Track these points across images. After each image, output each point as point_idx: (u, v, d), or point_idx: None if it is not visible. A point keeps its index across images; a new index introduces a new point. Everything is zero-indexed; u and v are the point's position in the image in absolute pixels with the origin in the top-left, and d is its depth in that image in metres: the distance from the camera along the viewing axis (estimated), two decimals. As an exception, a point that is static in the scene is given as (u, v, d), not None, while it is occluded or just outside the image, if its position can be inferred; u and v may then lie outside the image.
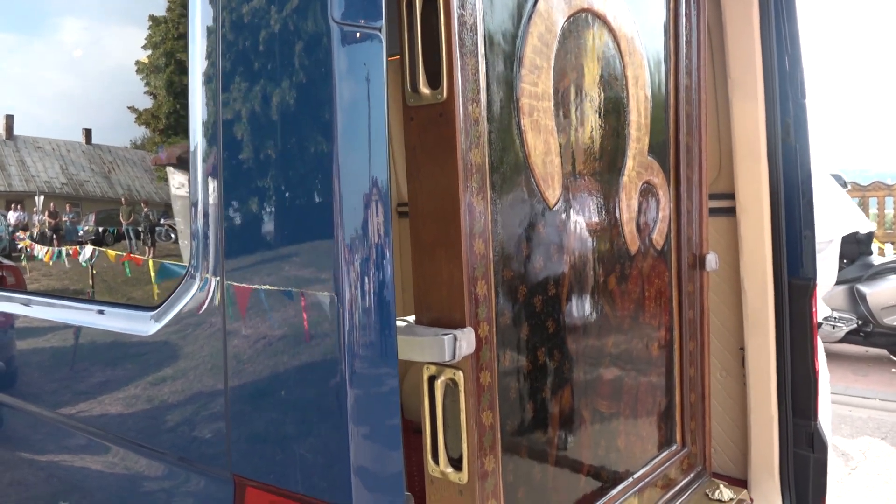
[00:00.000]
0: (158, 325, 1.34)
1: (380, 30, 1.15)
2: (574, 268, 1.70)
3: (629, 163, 1.87)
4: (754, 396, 2.37)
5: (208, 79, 1.27)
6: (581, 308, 1.74)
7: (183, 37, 1.37)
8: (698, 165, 2.13)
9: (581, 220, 1.71)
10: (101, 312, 1.57)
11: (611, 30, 1.79)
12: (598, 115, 1.76)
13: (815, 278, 2.29)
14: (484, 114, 1.39)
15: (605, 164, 1.79)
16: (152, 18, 1.55)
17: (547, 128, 1.57)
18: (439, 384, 1.35)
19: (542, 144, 1.57)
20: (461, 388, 1.33)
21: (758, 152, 2.29)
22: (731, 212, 2.42)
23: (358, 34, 1.15)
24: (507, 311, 1.51)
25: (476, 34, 1.37)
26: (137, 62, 1.58)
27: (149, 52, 1.55)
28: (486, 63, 1.41)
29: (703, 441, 2.20)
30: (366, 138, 1.16)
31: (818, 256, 2.45)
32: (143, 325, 1.37)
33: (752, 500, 2.28)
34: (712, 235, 2.52)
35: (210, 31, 1.27)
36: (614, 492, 1.86)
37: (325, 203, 1.13)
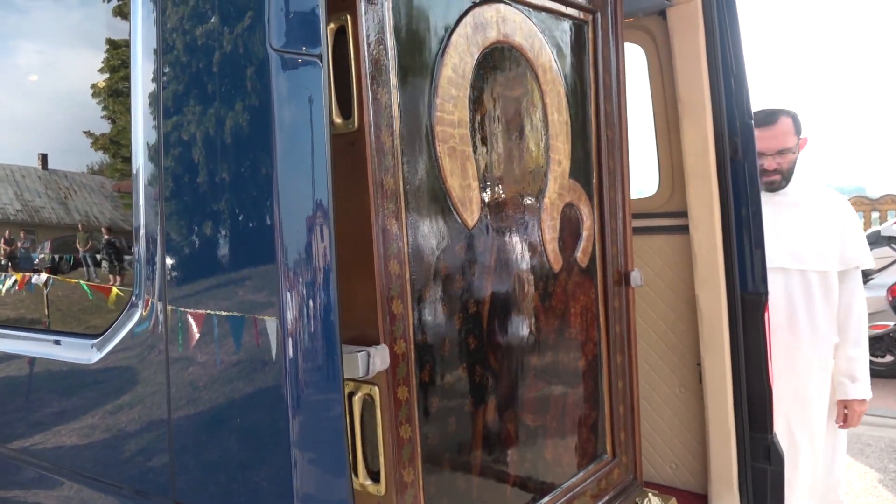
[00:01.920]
0: (101, 354, 1.32)
1: (319, 57, 1.16)
2: (495, 286, 1.75)
3: (551, 185, 1.94)
4: (712, 411, 2.40)
5: (149, 103, 1.27)
6: (504, 325, 1.79)
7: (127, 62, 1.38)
8: (621, 187, 2.21)
9: (502, 241, 1.77)
10: (44, 341, 1.54)
11: (528, 60, 1.86)
12: (517, 141, 1.83)
13: (766, 293, 2.34)
14: (398, 142, 1.45)
15: (526, 186, 1.86)
16: (109, 42, 1.54)
17: (464, 154, 1.64)
18: (357, 399, 1.38)
19: (458, 169, 1.63)
20: (377, 402, 1.36)
21: (707, 171, 2.35)
22: (684, 230, 2.47)
23: (299, 60, 1.16)
24: (427, 328, 1.56)
25: (388, 66, 1.43)
26: (94, 86, 1.57)
27: (106, 75, 1.54)
28: (400, 94, 1.47)
29: (633, 451, 2.25)
30: (308, 163, 1.17)
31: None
32: (85, 354, 1.35)
33: None
34: (667, 253, 2.57)
35: (151, 56, 1.27)
36: (543, 502, 1.90)
37: (267, 227, 1.14)
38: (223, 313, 1.18)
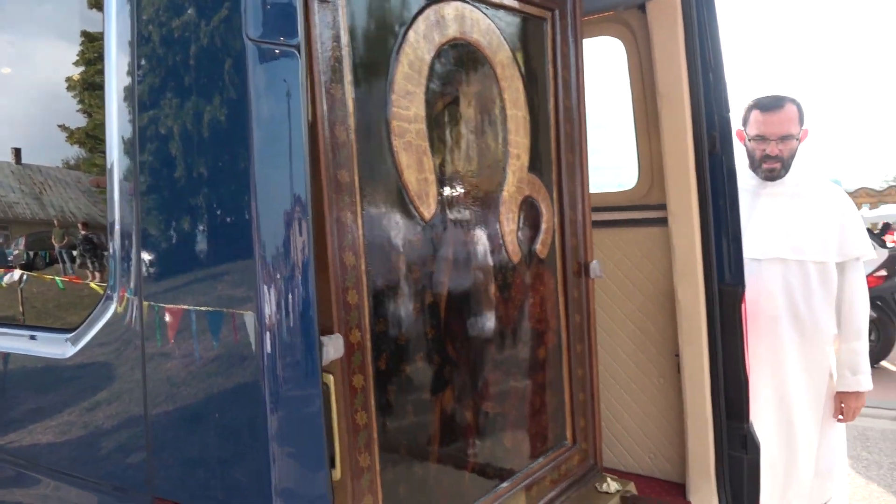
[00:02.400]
0: (75, 348, 1.31)
1: (297, 47, 1.15)
2: (454, 277, 1.79)
3: (509, 178, 1.98)
4: (690, 401, 2.43)
5: (125, 96, 1.25)
6: (462, 315, 1.82)
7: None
8: (580, 180, 2.26)
9: (460, 233, 1.81)
10: (17, 336, 1.52)
11: (486, 56, 1.89)
12: (475, 136, 1.87)
13: (743, 284, 2.37)
14: (353, 136, 1.47)
15: (485, 180, 1.89)
16: (84, 34, 1.52)
17: (420, 148, 1.67)
18: None
19: (415, 164, 1.66)
20: (332, 390, 1.38)
21: (686, 164, 2.36)
22: (663, 222, 2.49)
23: (276, 51, 1.15)
24: (384, 318, 1.58)
25: (342, 64, 1.45)
26: (69, 79, 1.55)
27: (81, 68, 1.52)
28: (355, 89, 1.49)
29: (593, 438, 2.30)
30: (285, 155, 1.16)
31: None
32: (59, 349, 1.33)
33: (635, 492, 2.34)
34: (647, 246, 2.59)
35: (126, 48, 1.25)
36: (501, 487, 1.93)
37: (244, 221, 1.13)
38: (200, 308, 1.17)
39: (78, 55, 1.51)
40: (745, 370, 2.38)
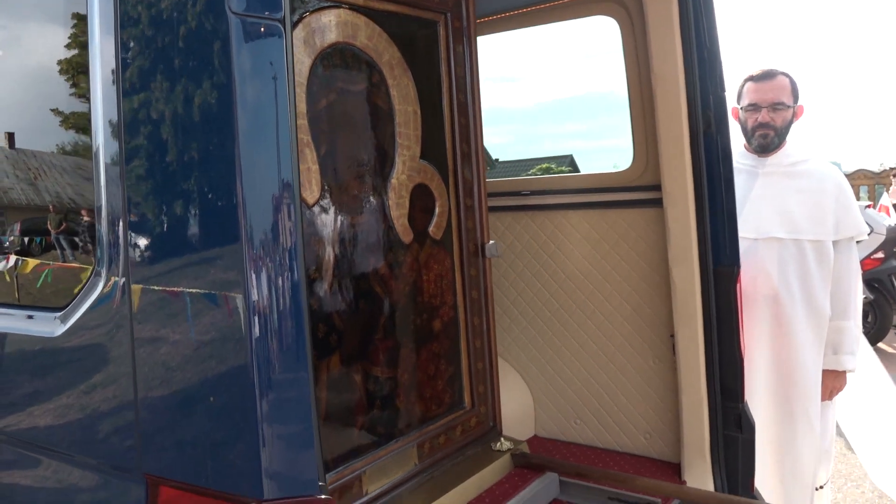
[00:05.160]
0: (65, 327, 1.31)
1: (281, 21, 1.14)
2: (338, 256, 1.90)
3: (399, 167, 2.13)
4: (685, 382, 2.43)
5: (109, 78, 1.24)
6: (348, 289, 1.94)
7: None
8: (476, 167, 2.42)
9: (346, 217, 1.93)
10: (10, 316, 1.51)
11: (371, 58, 2.02)
12: (361, 129, 2.02)
13: (738, 264, 2.36)
14: None
15: (372, 168, 2.04)
16: (76, 16, 1.50)
17: (303, 141, 1.77)
18: None
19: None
20: None
21: (681, 144, 2.35)
22: (658, 203, 2.48)
23: (261, 28, 1.14)
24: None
25: None
26: (61, 62, 1.53)
27: (74, 51, 1.50)
28: None
29: (491, 402, 2.47)
30: (272, 137, 1.15)
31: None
32: (49, 327, 1.33)
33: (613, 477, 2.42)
34: (642, 227, 2.58)
35: (109, 28, 1.24)
36: (392, 444, 2.08)
37: (230, 204, 1.12)
38: (188, 290, 1.17)
39: (70, 38, 1.49)
40: (739, 350, 2.38)
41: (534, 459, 2.46)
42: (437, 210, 2.29)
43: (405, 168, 2.15)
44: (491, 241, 2.43)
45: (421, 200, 2.23)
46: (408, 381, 2.16)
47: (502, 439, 2.47)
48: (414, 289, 2.19)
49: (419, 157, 2.20)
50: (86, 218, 1.40)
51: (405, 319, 2.16)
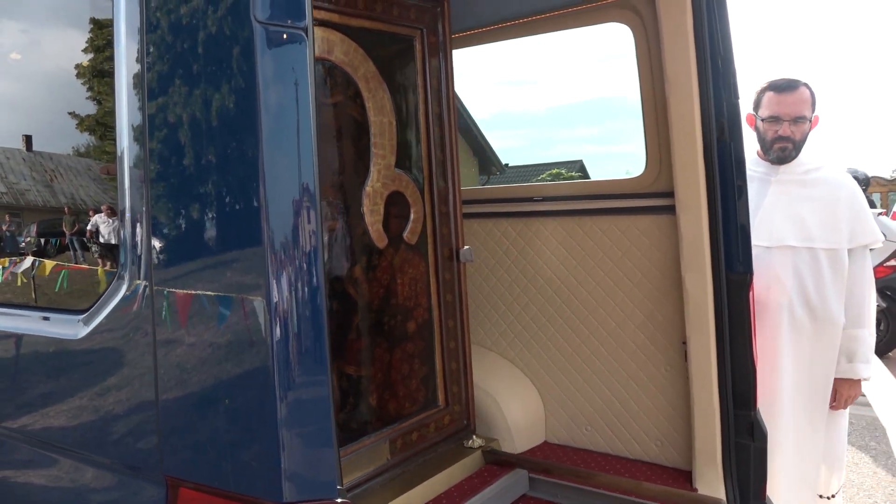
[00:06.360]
0: (88, 329, 1.32)
1: (305, 30, 1.15)
2: None
3: (374, 175, 2.19)
4: (697, 389, 2.43)
5: (134, 83, 1.26)
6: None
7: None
8: (451, 176, 2.48)
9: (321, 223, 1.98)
10: (30, 318, 1.53)
11: (346, 72, 2.07)
12: (334, 140, 2.07)
13: (751, 272, 2.36)
14: None
15: (346, 177, 2.11)
16: (94, 21, 1.52)
17: None
18: None
19: None
20: None
21: (694, 151, 2.35)
22: (671, 210, 2.48)
23: (284, 35, 1.15)
24: None
25: None
26: (79, 66, 1.55)
27: (91, 55, 1.52)
28: None
29: (465, 401, 2.54)
30: (294, 142, 1.16)
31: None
32: (72, 329, 1.35)
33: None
34: (654, 234, 2.58)
35: (135, 34, 1.26)
36: (364, 439, 2.13)
37: (253, 209, 1.13)
38: (210, 293, 1.18)
39: (87, 42, 1.52)
40: (752, 358, 2.37)
41: (504, 456, 2.53)
42: (412, 216, 2.36)
43: (380, 176, 2.22)
44: (466, 247, 2.50)
45: (396, 207, 2.30)
46: (381, 379, 2.23)
47: (474, 437, 2.54)
48: (388, 291, 2.27)
49: (394, 165, 2.27)
50: (109, 221, 1.42)
51: (379, 320, 2.23)
